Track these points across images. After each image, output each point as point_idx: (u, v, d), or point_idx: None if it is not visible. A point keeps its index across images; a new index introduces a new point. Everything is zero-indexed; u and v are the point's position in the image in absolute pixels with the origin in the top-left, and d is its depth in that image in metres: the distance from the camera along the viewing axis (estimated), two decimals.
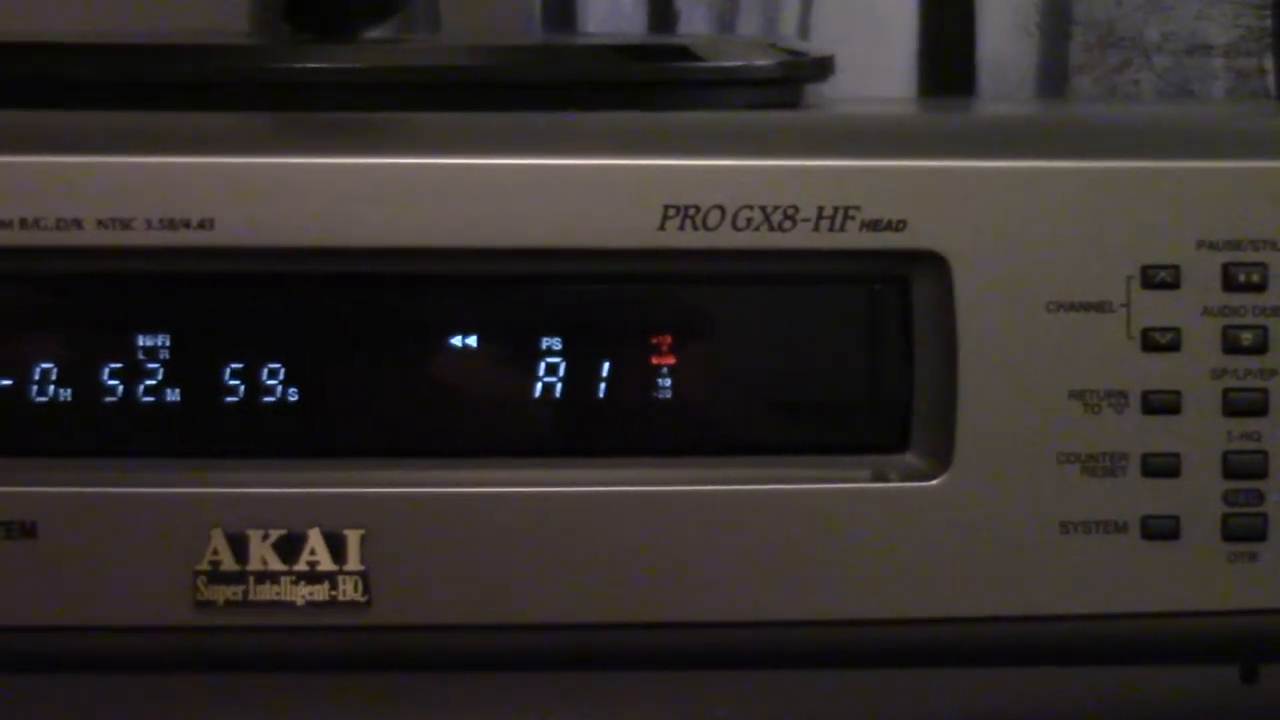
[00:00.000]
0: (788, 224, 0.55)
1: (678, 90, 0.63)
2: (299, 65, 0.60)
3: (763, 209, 0.55)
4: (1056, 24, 0.83)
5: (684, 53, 0.64)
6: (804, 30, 0.83)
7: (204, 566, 0.54)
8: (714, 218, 0.55)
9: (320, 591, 0.55)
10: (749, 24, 0.83)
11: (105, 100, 0.59)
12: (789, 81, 0.66)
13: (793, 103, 0.66)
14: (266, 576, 0.55)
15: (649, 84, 0.62)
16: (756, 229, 0.55)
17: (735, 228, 0.55)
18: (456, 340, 0.56)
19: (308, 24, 0.69)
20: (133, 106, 0.59)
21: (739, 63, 0.64)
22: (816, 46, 0.67)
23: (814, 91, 0.68)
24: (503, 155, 0.55)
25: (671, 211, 0.55)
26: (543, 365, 0.56)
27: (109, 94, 0.60)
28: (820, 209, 0.55)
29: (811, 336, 0.56)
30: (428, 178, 0.55)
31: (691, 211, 0.55)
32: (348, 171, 0.55)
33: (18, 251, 0.54)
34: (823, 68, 0.67)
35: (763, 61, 0.65)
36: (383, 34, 0.70)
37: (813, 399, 0.56)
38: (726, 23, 0.84)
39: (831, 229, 0.55)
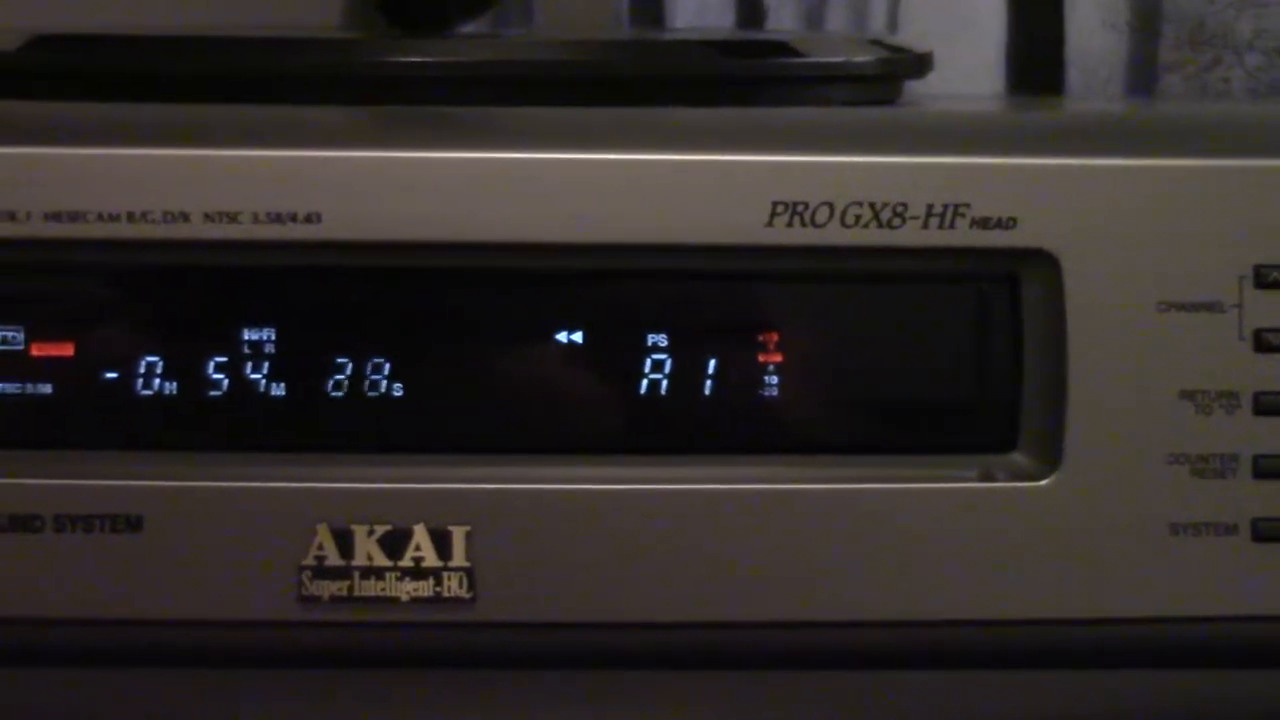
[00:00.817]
0: (897, 221, 0.55)
1: (778, 86, 0.63)
2: (405, 59, 0.60)
3: (872, 206, 0.55)
4: (1146, 21, 0.82)
5: (785, 49, 0.64)
6: (892, 25, 0.83)
7: (309, 561, 0.54)
8: (823, 214, 0.55)
9: (425, 588, 0.54)
10: (837, 19, 0.83)
11: (203, 93, 0.59)
12: (889, 78, 0.65)
13: (891, 99, 0.65)
14: (371, 572, 0.54)
15: (750, 80, 0.62)
16: (865, 226, 0.55)
17: (844, 224, 0.55)
18: (562, 336, 0.55)
19: (402, 18, 0.69)
20: (229, 100, 0.59)
21: (840, 59, 0.64)
22: (914, 42, 0.67)
23: (909, 88, 0.67)
24: (609, 150, 0.55)
25: (780, 208, 0.54)
26: (648, 362, 0.55)
27: (207, 87, 0.60)
28: (930, 206, 0.55)
29: (919, 334, 0.56)
30: (533, 173, 0.54)
31: (800, 208, 0.54)
32: (454, 166, 0.54)
33: (125, 244, 0.54)
34: (921, 64, 0.66)
35: (863, 58, 0.64)
36: (477, 28, 0.70)
37: (920, 398, 0.56)
38: (814, 18, 0.83)
39: (941, 226, 0.55)
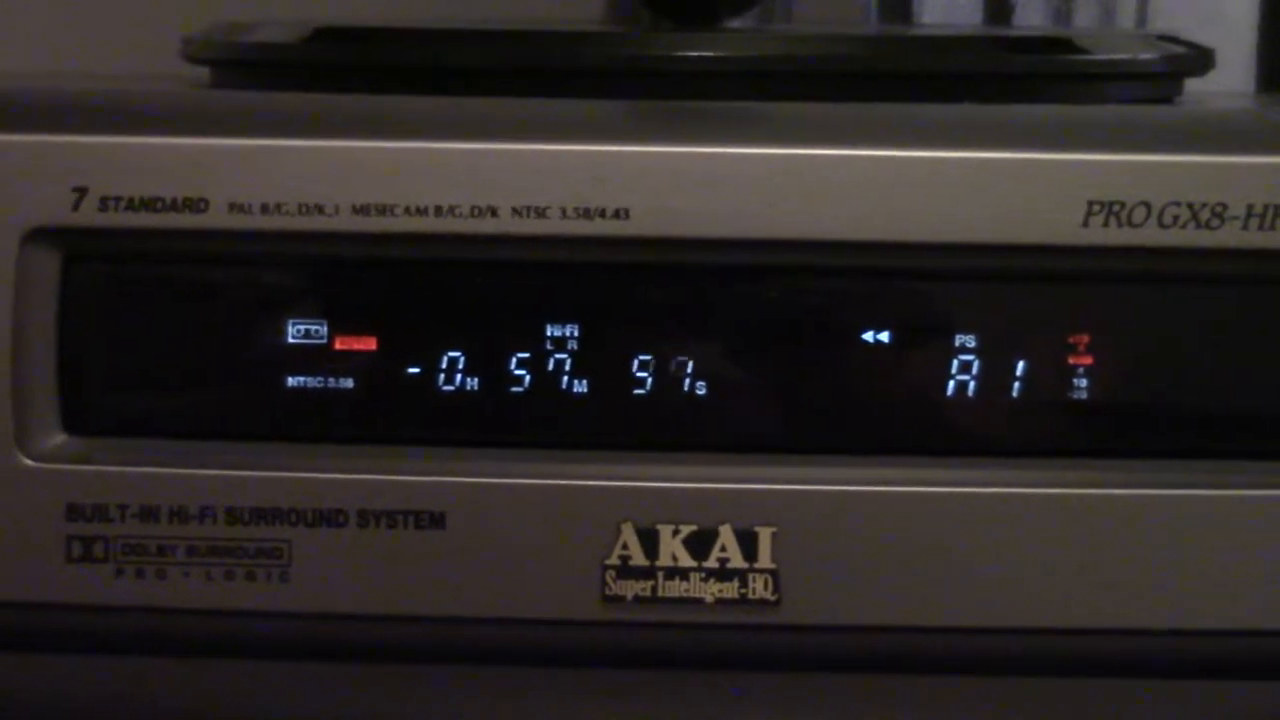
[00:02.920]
0: (1216, 222, 0.53)
1: (1063, 83, 0.61)
2: (697, 54, 0.59)
3: (1190, 206, 0.53)
4: None
5: (1068, 45, 0.63)
6: (1140, 20, 0.82)
7: (613, 561, 0.54)
8: (1139, 214, 0.53)
9: (730, 589, 0.54)
10: (1085, 15, 0.82)
11: (486, 87, 0.58)
12: (1173, 75, 0.64)
13: (1171, 97, 0.64)
14: (676, 572, 0.54)
15: (1040, 76, 0.61)
16: (1183, 226, 0.53)
17: (1161, 225, 0.53)
18: (869, 336, 0.55)
19: (671, 12, 0.68)
20: (510, 93, 0.58)
21: (1127, 56, 0.62)
22: (1193, 39, 0.65)
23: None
24: (923, 148, 0.54)
25: (1096, 208, 0.53)
26: (956, 363, 0.54)
27: (490, 81, 0.59)
28: (1250, 206, 0.53)
29: (1235, 337, 0.54)
30: (846, 170, 0.54)
31: (1116, 208, 0.53)
32: (759, 162, 0.54)
33: (433, 238, 0.53)
34: (1205, 61, 0.65)
35: (1149, 54, 0.63)
36: (742, 23, 0.69)
37: (1235, 401, 0.55)
38: (1062, 14, 0.82)
39: (1261, 227, 0.53)
